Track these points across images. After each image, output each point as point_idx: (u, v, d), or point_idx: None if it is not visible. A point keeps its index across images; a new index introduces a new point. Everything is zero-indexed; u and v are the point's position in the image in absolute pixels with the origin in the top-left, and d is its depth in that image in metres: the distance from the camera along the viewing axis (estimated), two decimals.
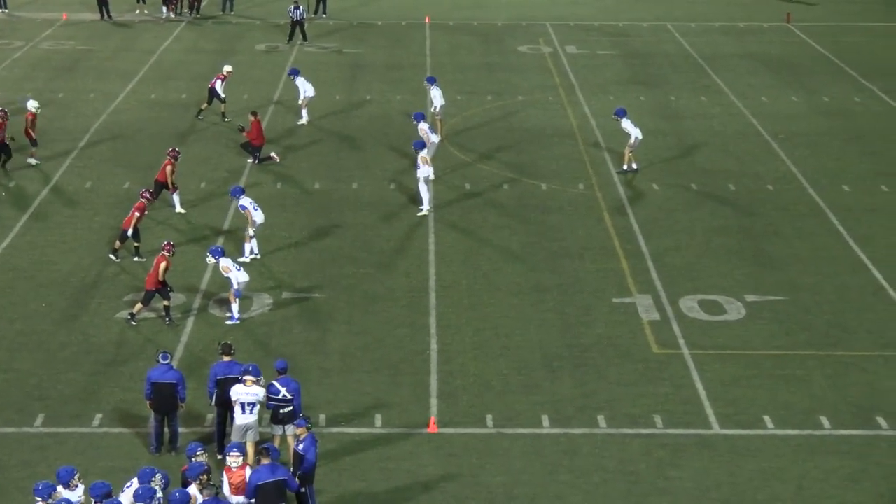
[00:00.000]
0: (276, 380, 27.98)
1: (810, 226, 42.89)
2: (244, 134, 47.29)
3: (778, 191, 45.92)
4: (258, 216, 38.52)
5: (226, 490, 25.06)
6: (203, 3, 76.70)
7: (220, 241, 39.94)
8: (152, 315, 35.34)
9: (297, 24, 70.13)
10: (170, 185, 42.41)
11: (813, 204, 44.62)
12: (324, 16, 74.58)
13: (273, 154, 47.65)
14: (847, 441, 29.88)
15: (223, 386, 27.96)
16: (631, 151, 47.21)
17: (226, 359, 28.65)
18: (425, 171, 43.25)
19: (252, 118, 47.76)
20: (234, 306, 34.92)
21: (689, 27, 74.14)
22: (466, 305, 36.68)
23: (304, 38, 69.46)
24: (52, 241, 40.82)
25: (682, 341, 34.69)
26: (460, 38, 70.66)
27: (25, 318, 35.47)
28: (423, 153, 43.37)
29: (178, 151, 43.33)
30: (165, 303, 34.91)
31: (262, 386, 27.66)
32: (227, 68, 54.81)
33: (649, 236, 41.84)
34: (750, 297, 37.27)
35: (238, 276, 34.56)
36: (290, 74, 54.71)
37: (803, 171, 48.10)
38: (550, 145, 51.35)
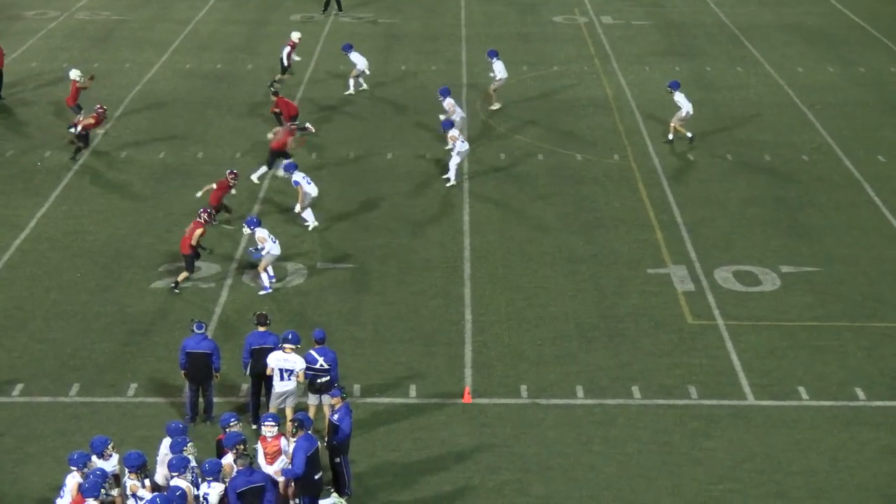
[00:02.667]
0: (314, 349, 28.13)
1: (846, 197, 42.74)
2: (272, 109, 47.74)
3: (813, 161, 45.78)
4: (312, 189, 38.71)
5: (260, 459, 25.19)
6: None
7: (255, 211, 40.04)
8: (188, 285, 35.43)
9: None
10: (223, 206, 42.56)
11: (848, 175, 44.46)
12: None
13: (308, 125, 47.63)
14: (882, 412, 29.88)
15: (258, 356, 28.13)
16: (681, 124, 46.98)
17: (261, 329, 28.77)
18: (460, 146, 43.41)
19: (274, 97, 47.85)
20: (264, 276, 35.05)
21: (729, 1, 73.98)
22: (501, 276, 36.66)
23: (340, 8, 69.15)
24: (87, 211, 40.92)
25: (716, 312, 34.67)
26: (496, 8, 70.43)
27: (60, 288, 35.62)
28: (452, 132, 43.56)
29: (236, 174, 42.95)
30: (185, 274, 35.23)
31: (298, 354, 27.88)
32: (296, 35, 55.16)
33: (684, 207, 41.76)
34: (785, 268, 37.20)
35: (271, 249, 34.61)
36: (343, 50, 54.66)
37: (839, 141, 47.93)
38: (585, 116, 51.25)
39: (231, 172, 39.71)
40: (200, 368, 28.30)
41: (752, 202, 42.05)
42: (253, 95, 51.73)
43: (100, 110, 44.51)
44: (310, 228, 37.30)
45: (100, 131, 46.54)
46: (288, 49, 54.22)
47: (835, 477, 27.40)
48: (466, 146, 43.64)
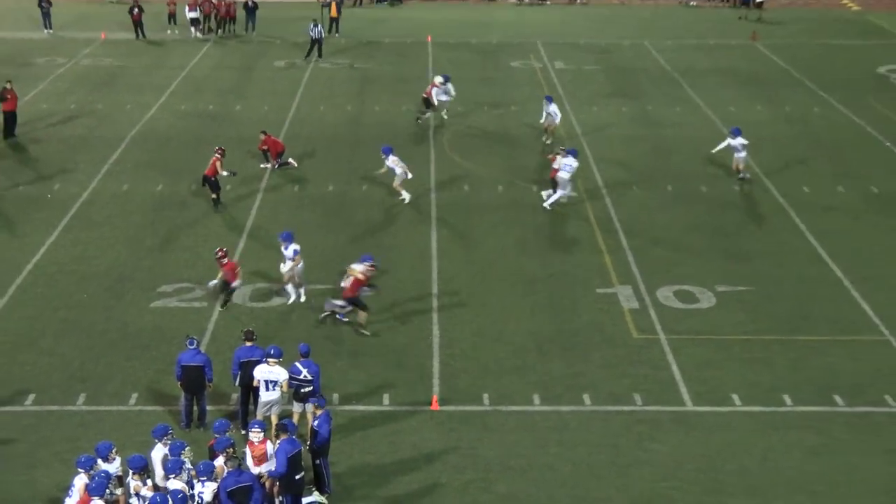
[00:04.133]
0: (299, 361, 28.31)
1: (774, 223, 42.87)
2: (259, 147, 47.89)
3: (745, 192, 45.93)
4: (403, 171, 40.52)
5: (248, 462, 25.24)
6: (233, 23, 76.87)
7: (243, 240, 40.08)
8: (182, 305, 35.37)
9: (315, 42, 70.10)
10: (218, 174, 43.09)
11: (776, 203, 44.58)
12: (336, 35, 74.47)
13: (290, 160, 47.64)
14: (807, 417, 30.03)
15: (246, 368, 28.21)
16: (743, 165, 46.96)
17: (248, 344, 28.84)
18: (400, 172, 44.29)
19: (263, 135, 47.97)
20: (289, 287, 35.32)
21: (665, 45, 74.10)
22: (465, 296, 36.68)
23: (320, 55, 69.34)
24: (92, 239, 40.81)
25: (658, 327, 34.75)
26: (459, 55, 70.61)
27: (68, 308, 35.53)
28: (392, 157, 44.55)
29: (223, 149, 44.00)
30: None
31: (282, 366, 27.94)
32: (439, 79, 55.23)
33: (629, 233, 41.83)
34: (720, 288, 37.29)
35: (282, 266, 34.78)
36: (443, 78, 56.19)
37: (767, 173, 48.09)
38: (541, 151, 51.28)
39: (219, 148, 43.18)
40: (194, 380, 28.36)
41: (690, 228, 42.14)
42: (241, 133, 51.58)
43: None
44: (289, 302, 36.72)
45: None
46: (434, 90, 54.46)
47: (766, 475, 27.53)
48: (405, 169, 44.62)
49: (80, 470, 24.39)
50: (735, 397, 30.91)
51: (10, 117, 52.12)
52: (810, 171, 48.73)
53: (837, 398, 30.93)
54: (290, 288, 35.57)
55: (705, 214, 43.15)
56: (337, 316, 34.33)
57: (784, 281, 37.98)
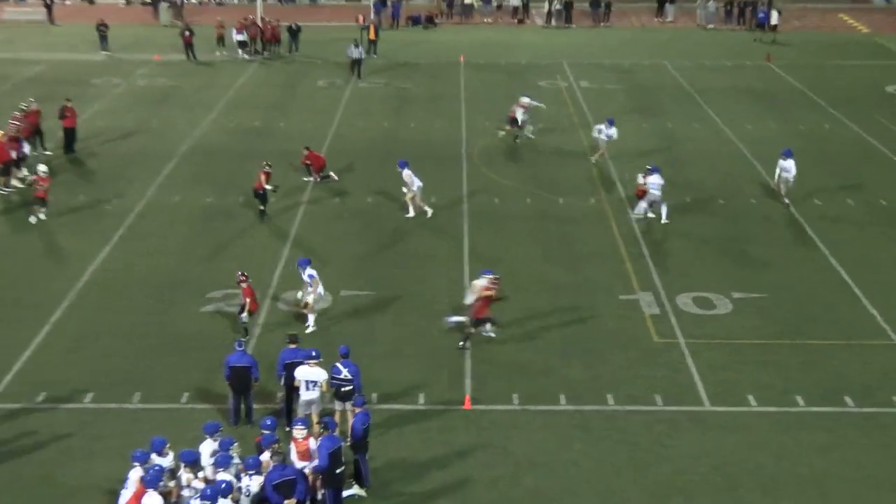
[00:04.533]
0: (339, 362, 28.34)
1: (787, 234, 42.83)
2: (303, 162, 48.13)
3: (759, 203, 45.86)
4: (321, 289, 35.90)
5: (293, 456, 25.31)
6: (278, 46, 77.23)
7: (286, 248, 40.22)
8: (230, 309, 35.50)
9: (356, 62, 70.44)
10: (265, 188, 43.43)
11: (789, 215, 44.53)
12: (374, 56, 74.62)
13: (331, 173, 47.78)
14: (818, 417, 29.95)
15: (290, 369, 28.33)
16: (785, 189, 46.01)
17: (292, 346, 28.97)
18: (415, 185, 44.15)
19: (306, 150, 48.26)
20: (311, 317, 34.66)
21: (684, 65, 74.04)
22: (496, 302, 36.63)
23: (360, 76, 69.61)
24: (145, 248, 41.02)
25: (678, 332, 34.73)
26: (490, 75, 70.71)
27: (124, 312, 35.72)
28: (406, 171, 44.24)
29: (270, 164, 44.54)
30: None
31: (322, 367, 28.08)
32: (525, 99, 55.24)
33: (650, 242, 41.86)
34: (736, 294, 37.23)
35: (319, 288, 34.29)
36: (526, 96, 56.25)
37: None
38: (566, 165, 51.31)
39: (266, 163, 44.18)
40: (242, 379, 28.57)
41: (708, 238, 42.11)
42: (285, 148, 51.71)
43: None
44: (307, 332, 36.24)
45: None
46: (520, 110, 54.45)
47: (778, 472, 27.48)
48: (418, 184, 44.22)
49: (135, 463, 24.57)
50: (750, 398, 30.86)
51: (70, 134, 52.39)
52: (821, 184, 48.58)
53: (847, 399, 30.85)
54: (311, 316, 34.70)
55: (722, 225, 43.12)
56: (483, 333, 33.89)
57: (796, 288, 37.92)
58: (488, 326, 33.83)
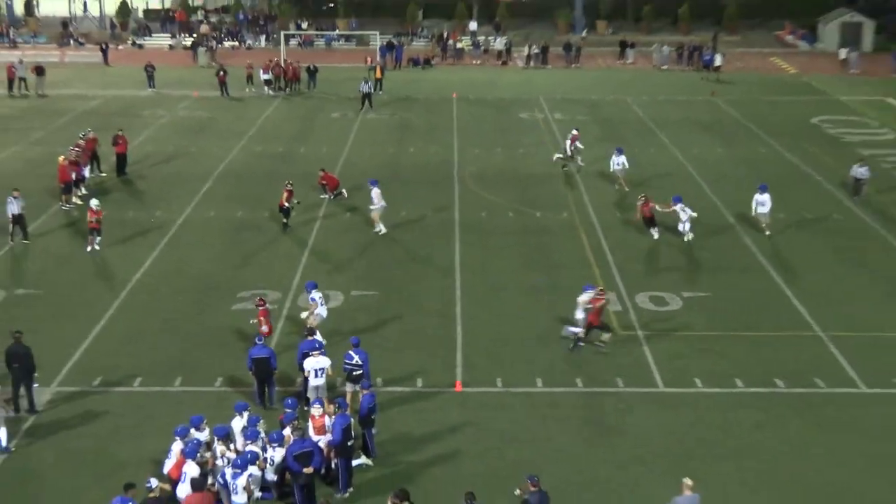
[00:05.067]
0: (351, 350, 28.59)
1: (728, 242, 42.82)
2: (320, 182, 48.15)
3: (705, 217, 45.79)
4: (323, 311, 33.18)
5: (310, 431, 25.38)
6: (299, 84, 77.27)
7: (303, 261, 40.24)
8: (251, 307, 35.53)
9: (366, 96, 70.57)
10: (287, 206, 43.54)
11: (730, 227, 44.57)
12: (380, 92, 74.54)
13: (343, 191, 47.78)
14: (755, 397, 30.06)
15: (308, 357, 28.46)
16: (766, 222, 43.80)
17: (310, 338, 29.16)
18: (379, 204, 43.45)
19: (322, 172, 48.35)
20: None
21: (642, 100, 73.95)
22: (482, 301, 36.74)
23: (371, 106, 69.90)
24: (185, 255, 41.10)
25: (637, 325, 34.80)
26: (478, 109, 70.67)
27: (167, 311, 35.81)
28: (375, 192, 43.49)
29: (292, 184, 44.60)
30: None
31: (326, 357, 28.46)
32: (575, 132, 54.30)
33: (614, 251, 41.82)
34: (685, 294, 37.31)
35: (320, 311, 32.94)
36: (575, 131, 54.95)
37: (724, 203, 48.00)
38: (543, 185, 51.29)
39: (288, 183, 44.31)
40: (263, 368, 28.70)
41: (662, 246, 42.10)
42: (305, 170, 51.57)
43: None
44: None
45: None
46: (569, 141, 53.72)
47: (722, 444, 27.54)
48: (382, 204, 43.49)
49: (176, 437, 24.66)
50: (697, 381, 30.91)
51: (122, 158, 52.37)
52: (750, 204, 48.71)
53: (779, 382, 30.89)
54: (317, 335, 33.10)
55: (674, 235, 43.10)
56: (596, 345, 33.09)
57: (736, 288, 37.94)
58: (604, 336, 33.00)
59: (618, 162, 50.36)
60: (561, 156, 54.19)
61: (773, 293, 37.96)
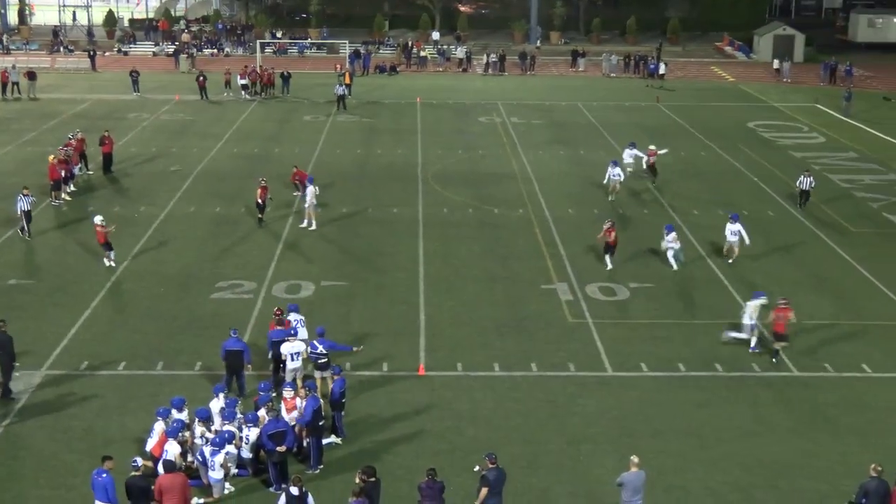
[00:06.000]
0: (316, 340, 28.35)
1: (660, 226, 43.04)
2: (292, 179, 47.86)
3: (652, 212, 46.09)
4: (298, 347, 32.52)
5: (283, 413, 25.23)
6: (273, 89, 76.95)
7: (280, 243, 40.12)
8: (234, 297, 35.40)
9: (340, 98, 70.77)
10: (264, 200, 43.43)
11: (673, 221, 44.61)
12: (349, 97, 74.30)
13: (316, 188, 47.55)
14: (695, 379, 30.21)
15: (277, 346, 28.43)
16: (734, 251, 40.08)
17: (279, 328, 29.04)
18: (312, 201, 43.31)
19: (294, 169, 48.25)
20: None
21: (592, 105, 74.15)
22: (444, 290, 36.71)
23: (345, 108, 70.18)
24: (167, 248, 40.84)
25: (587, 314, 34.81)
26: (441, 112, 70.65)
27: (151, 298, 35.59)
28: (310, 189, 43.46)
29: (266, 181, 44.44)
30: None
31: (300, 342, 28.40)
32: (653, 146, 52.65)
33: (565, 244, 41.89)
34: (632, 284, 37.36)
35: (299, 332, 29.99)
36: (631, 145, 53.08)
37: (667, 199, 48.28)
38: (500, 183, 51.31)
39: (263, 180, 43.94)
40: (236, 361, 28.40)
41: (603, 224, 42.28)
42: (279, 170, 51.32)
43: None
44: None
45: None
46: (649, 158, 52.05)
47: (665, 422, 27.64)
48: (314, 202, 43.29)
49: (158, 418, 24.55)
50: (643, 365, 30.99)
51: (108, 158, 52.07)
52: (698, 198, 48.83)
53: (718, 366, 31.04)
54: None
55: (621, 230, 43.10)
56: (773, 348, 31.99)
57: (678, 279, 38.07)
58: (781, 344, 31.62)
59: (613, 173, 48.42)
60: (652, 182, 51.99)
61: (712, 283, 38.09)
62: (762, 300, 32.70)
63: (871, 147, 61.59)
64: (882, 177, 54.14)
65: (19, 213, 41.65)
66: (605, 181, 49.12)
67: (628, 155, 51.56)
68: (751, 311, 32.56)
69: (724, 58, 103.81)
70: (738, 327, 32.80)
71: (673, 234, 39.47)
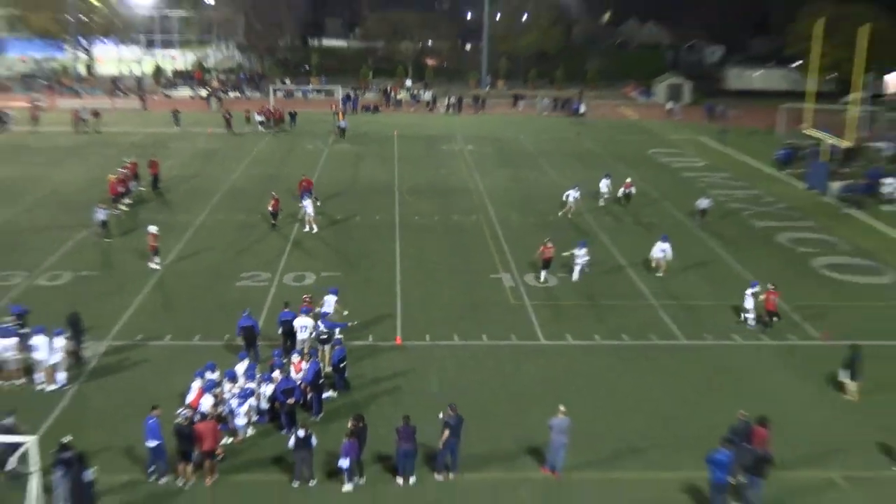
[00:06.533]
0: (320, 322, 28.53)
1: (588, 236, 43.03)
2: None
3: (574, 222, 46.21)
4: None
5: (292, 374, 25.32)
6: (283, 123, 76.55)
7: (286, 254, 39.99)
8: (254, 285, 35.26)
9: (343, 130, 71.44)
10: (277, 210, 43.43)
11: (588, 225, 44.90)
12: (347, 129, 73.98)
13: (317, 198, 47.34)
14: (609, 348, 30.41)
15: (286, 324, 28.48)
16: (662, 264, 37.89)
17: (286, 309, 29.10)
18: (310, 208, 43.10)
19: (303, 177, 48.13)
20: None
21: (529, 137, 74.17)
22: (417, 281, 36.68)
23: (344, 137, 70.33)
24: (201, 247, 40.57)
25: (525, 297, 34.89)
26: (413, 142, 70.45)
27: (188, 287, 35.44)
28: (307, 201, 43.41)
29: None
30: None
31: (308, 318, 28.40)
32: (628, 180, 50.37)
33: (509, 242, 41.94)
34: (560, 274, 37.42)
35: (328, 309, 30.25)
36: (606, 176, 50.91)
37: (584, 207, 48.42)
38: (458, 196, 51.27)
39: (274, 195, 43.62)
40: (250, 334, 28.34)
41: (544, 237, 42.21)
42: (288, 186, 51.09)
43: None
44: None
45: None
46: (626, 189, 49.76)
47: (584, 382, 27.80)
48: (311, 212, 42.98)
49: (196, 377, 24.52)
50: (568, 336, 31.13)
51: (156, 177, 51.67)
52: (612, 211, 48.99)
53: (625, 336, 31.24)
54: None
55: (552, 232, 43.12)
56: (763, 322, 32.01)
57: (594, 267, 38.01)
58: (774, 319, 32.01)
59: (573, 196, 46.92)
60: (607, 197, 49.97)
61: (618, 271, 38.23)
62: (756, 289, 32.66)
63: (740, 169, 62.06)
64: (749, 192, 54.59)
65: (98, 222, 41.46)
66: (563, 197, 47.65)
67: (604, 184, 49.86)
68: (750, 296, 32.44)
69: (629, 100, 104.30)
70: (746, 311, 32.50)
71: (585, 250, 37.17)
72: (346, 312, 31.40)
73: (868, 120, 75.77)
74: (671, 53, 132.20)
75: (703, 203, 46.87)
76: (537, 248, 37.44)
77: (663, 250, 37.79)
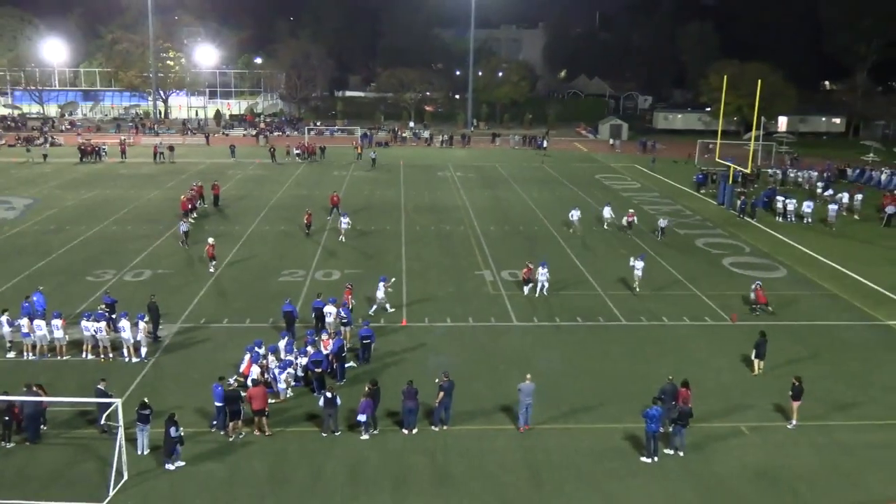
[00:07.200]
0: (341, 309, 28.19)
1: (549, 243, 42.78)
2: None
3: (540, 229, 45.95)
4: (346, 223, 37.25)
5: (321, 348, 25.06)
6: (315, 155, 76.07)
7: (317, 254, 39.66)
8: (292, 279, 34.96)
9: (373, 160, 71.40)
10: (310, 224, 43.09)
11: (550, 233, 44.67)
12: (359, 161, 73.51)
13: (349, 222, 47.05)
14: (568, 328, 30.24)
15: (317, 310, 28.36)
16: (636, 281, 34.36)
17: (318, 298, 28.77)
18: (345, 225, 42.33)
19: (334, 193, 47.94)
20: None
21: (504, 165, 73.76)
22: (417, 274, 36.45)
23: (374, 166, 70.03)
24: (251, 251, 40.26)
25: (502, 289, 34.63)
26: (414, 170, 70.04)
27: (240, 283, 35.11)
28: (345, 218, 42.62)
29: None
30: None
31: (333, 306, 28.17)
32: (630, 211, 45.84)
33: (490, 246, 41.66)
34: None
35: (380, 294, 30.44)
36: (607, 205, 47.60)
37: (544, 217, 48.08)
38: (450, 211, 50.99)
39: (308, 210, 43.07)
40: (289, 317, 28.04)
41: (516, 244, 41.94)
42: (321, 203, 50.81)
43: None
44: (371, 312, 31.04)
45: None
46: (628, 218, 45.05)
47: (547, 352, 27.62)
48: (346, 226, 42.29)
49: (247, 352, 24.30)
50: (534, 318, 30.94)
51: (216, 197, 51.38)
52: (563, 219, 48.71)
53: (579, 318, 31.07)
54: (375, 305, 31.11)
55: (524, 239, 43.17)
56: (754, 308, 31.30)
57: (553, 266, 37.57)
58: (769, 308, 31.48)
59: (574, 216, 45.00)
60: (610, 222, 46.56)
61: (573, 268, 37.90)
62: (758, 283, 32.43)
63: (666, 190, 61.87)
64: (673, 207, 54.41)
65: (181, 232, 41.08)
66: (570, 216, 45.05)
67: (607, 212, 46.64)
68: (752, 290, 32.05)
69: (580, 137, 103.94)
70: (752, 301, 32.07)
71: (545, 269, 33.48)
72: (390, 290, 31.34)
73: (763, 152, 76.02)
74: (613, 101, 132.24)
75: (663, 223, 44.69)
76: (514, 256, 37.20)
77: (640, 268, 34.01)
